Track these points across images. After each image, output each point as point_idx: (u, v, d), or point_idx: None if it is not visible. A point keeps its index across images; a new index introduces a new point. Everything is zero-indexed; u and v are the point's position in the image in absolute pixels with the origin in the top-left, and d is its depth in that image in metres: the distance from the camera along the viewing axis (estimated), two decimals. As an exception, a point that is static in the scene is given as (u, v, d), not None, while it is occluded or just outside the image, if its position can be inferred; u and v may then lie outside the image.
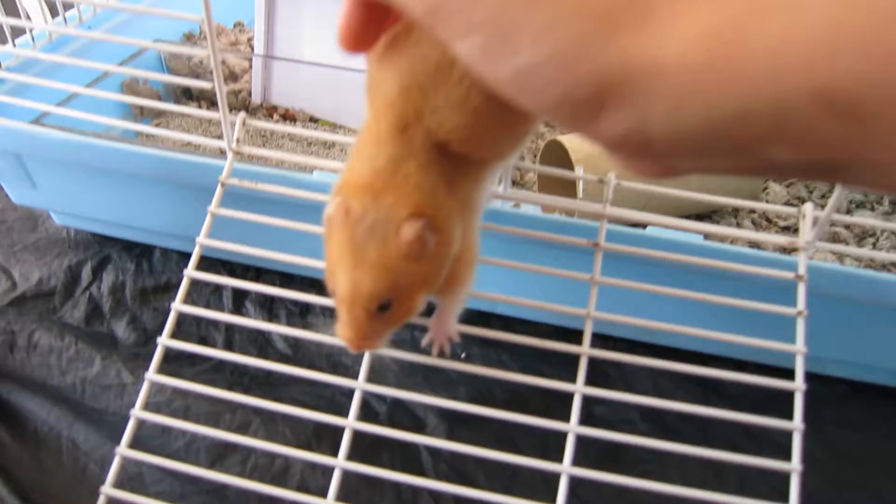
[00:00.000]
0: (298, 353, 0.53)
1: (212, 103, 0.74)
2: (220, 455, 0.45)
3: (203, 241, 0.42)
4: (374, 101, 0.30)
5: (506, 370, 0.39)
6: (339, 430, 0.37)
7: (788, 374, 0.39)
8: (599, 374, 0.52)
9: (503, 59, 0.21)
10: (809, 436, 0.49)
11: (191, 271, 0.41)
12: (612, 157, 0.22)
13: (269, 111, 0.73)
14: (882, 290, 0.45)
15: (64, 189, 0.56)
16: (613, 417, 0.49)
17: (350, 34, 0.26)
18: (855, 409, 0.53)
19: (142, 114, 0.72)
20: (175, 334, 0.40)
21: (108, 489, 0.36)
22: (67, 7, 0.62)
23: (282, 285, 0.56)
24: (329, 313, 0.55)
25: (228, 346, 0.53)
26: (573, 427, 0.37)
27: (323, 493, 0.36)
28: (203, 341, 0.53)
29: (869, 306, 0.47)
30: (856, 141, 0.17)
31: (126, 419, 0.38)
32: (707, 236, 0.45)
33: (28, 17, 0.57)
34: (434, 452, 0.46)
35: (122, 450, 0.37)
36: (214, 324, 0.54)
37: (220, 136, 0.45)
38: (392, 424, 0.46)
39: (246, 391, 0.39)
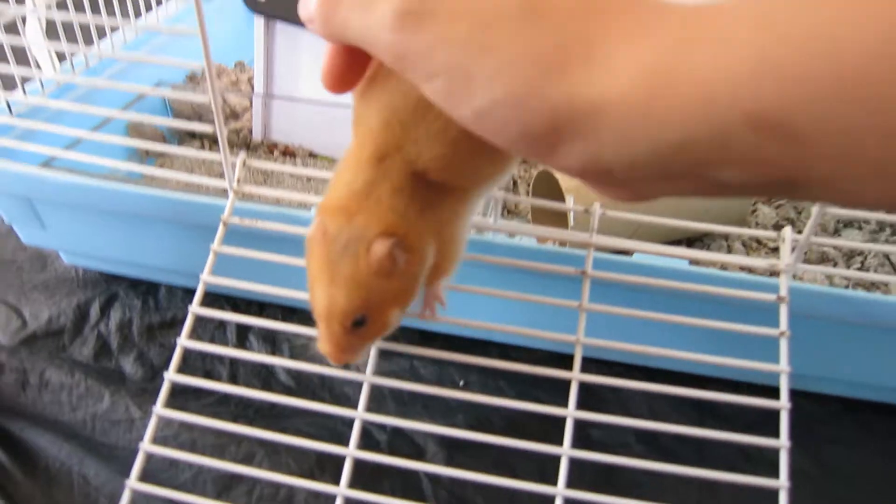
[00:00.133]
0: (301, 384, 0.54)
1: (214, 141, 0.76)
2: (226, 486, 0.47)
3: (206, 278, 0.43)
4: (358, 131, 0.32)
5: (503, 397, 0.40)
6: (341, 459, 0.38)
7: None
8: (596, 398, 0.53)
9: (463, 101, 0.22)
10: (802, 453, 0.50)
11: (195, 308, 0.43)
12: (584, 184, 0.24)
13: (270, 148, 0.75)
14: (864, 310, 0.46)
15: (72, 229, 0.58)
16: (610, 441, 0.50)
17: (333, 77, 0.29)
18: (847, 426, 0.53)
19: (147, 154, 0.74)
20: (181, 369, 0.41)
21: (118, 522, 0.37)
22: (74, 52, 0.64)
23: (284, 319, 0.57)
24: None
25: (233, 380, 0.55)
26: (566, 450, 0.38)
27: (326, 521, 0.37)
28: (208, 375, 0.55)
29: (855, 325, 0.48)
30: (796, 159, 0.18)
31: (135, 453, 0.39)
32: (692, 261, 0.46)
33: (38, 65, 0.59)
34: (434, 479, 0.47)
35: (133, 483, 0.38)
36: (219, 358, 0.55)
37: (221, 173, 0.47)
38: (392, 452, 0.47)
39: (250, 423, 0.41)
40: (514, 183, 0.73)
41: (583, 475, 0.39)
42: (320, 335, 0.33)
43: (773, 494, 0.37)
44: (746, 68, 0.18)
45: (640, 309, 0.42)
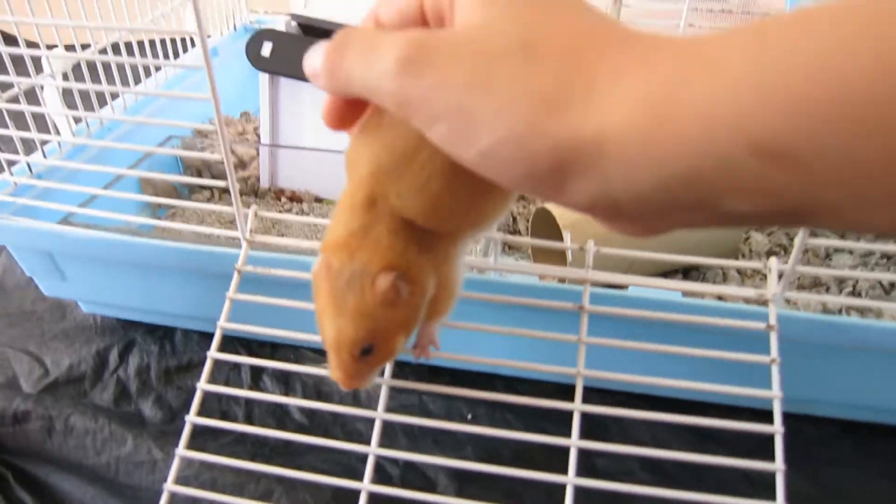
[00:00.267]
0: (314, 422, 0.56)
1: (223, 191, 0.79)
2: (247, 523, 0.48)
3: (223, 324, 0.46)
4: (350, 175, 0.33)
5: (510, 428, 0.42)
6: (355, 494, 0.40)
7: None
8: (600, 427, 0.55)
9: (467, 144, 0.22)
10: (802, 475, 0.51)
11: (213, 353, 0.45)
12: (595, 220, 0.24)
13: (277, 194, 0.78)
14: (854, 335, 0.47)
15: (91, 280, 0.61)
16: (614, 469, 0.52)
17: (334, 117, 0.30)
18: (847, 447, 0.54)
19: (158, 206, 0.77)
20: (199, 411, 0.43)
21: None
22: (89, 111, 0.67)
23: (296, 359, 0.59)
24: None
25: (248, 419, 0.56)
26: (571, 479, 0.40)
27: (343, 554, 0.39)
28: (224, 416, 0.56)
29: (848, 349, 0.49)
30: (803, 187, 0.18)
31: (158, 494, 0.41)
32: (685, 293, 0.48)
33: (56, 128, 0.63)
34: (446, 510, 0.49)
35: (158, 522, 0.40)
36: (235, 398, 0.57)
37: (231, 221, 0.49)
38: (405, 486, 0.48)
39: (267, 461, 0.43)
40: (514, 219, 0.75)
41: (590, 503, 0.40)
42: (331, 364, 0.34)
43: (775, 516, 0.38)
44: (747, 96, 0.18)
45: (638, 339, 0.44)
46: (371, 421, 0.42)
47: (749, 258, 0.69)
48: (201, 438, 0.53)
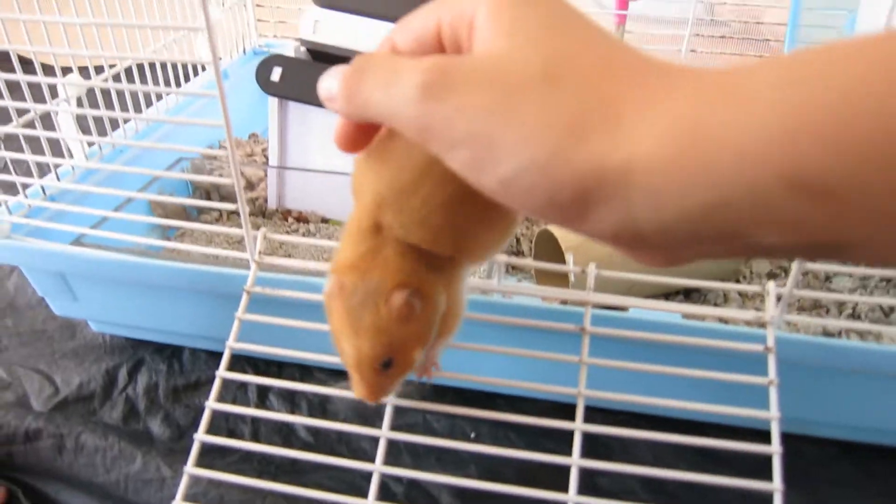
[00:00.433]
0: (320, 440, 0.57)
1: (231, 212, 0.80)
2: (254, 540, 0.49)
3: (232, 344, 0.47)
4: (357, 199, 0.34)
5: (513, 447, 0.42)
6: (360, 511, 0.40)
7: (782, 438, 0.42)
8: (602, 446, 0.56)
9: (488, 171, 0.22)
10: (802, 495, 0.52)
11: (222, 372, 0.46)
12: (616, 250, 0.23)
13: (285, 214, 0.80)
14: (851, 358, 0.48)
15: (102, 300, 0.62)
16: (616, 488, 0.52)
17: (345, 139, 0.30)
18: (847, 468, 0.55)
19: (168, 227, 0.78)
20: (207, 429, 0.44)
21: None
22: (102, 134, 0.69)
23: (302, 378, 0.60)
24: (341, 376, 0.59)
25: (255, 437, 0.57)
26: (572, 497, 0.40)
27: (349, 571, 0.39)
28: (231, 433, 0.57)
29: (846, 371, 0.50)
30: (834, 220, 0.18)
31: (166, 511, 0.42)
32: (685, 315, 0.49)
33: (70, 152, 0.64)
34: (449, 528, 0.49)
35: (167, 539, 0.41)
36: (242, 417, 0.58)
37: (239, 241, 0.50)
38: (409, 503, 0.49)
39: (273, 478, 0.43)
40: (517, 240, 0.76)
41: (590, 522, 0.41)
42: (353, 381, 0.35)
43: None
44: (780, 128, 0.17)
45: (638, 360, 0.45)
46: (376, 439, 0.43)
47: (750, 280, 0.70)
48: (209, 456, 0.53)
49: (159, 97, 0.79)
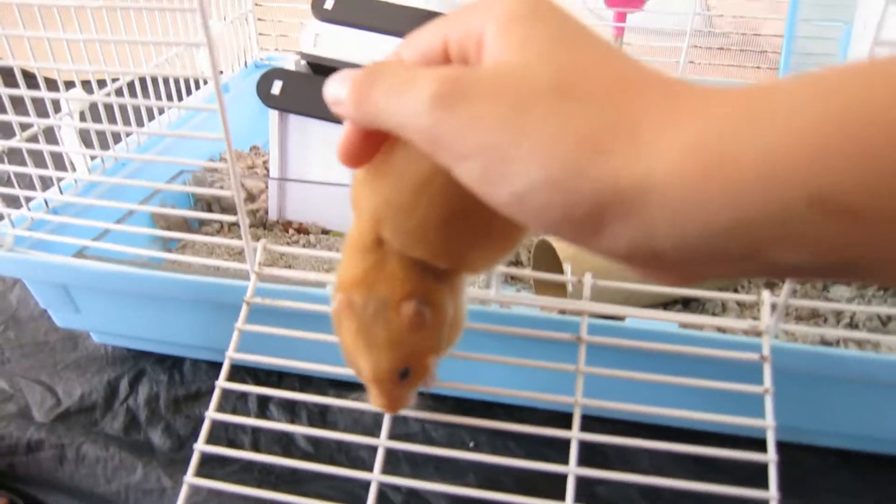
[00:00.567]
0: (319, 450, 0.57)
1: (233, 223, 0.81)
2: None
3: (232, 354, 0.47)
4: (357, 214, 0.35)
5: (511, 456, 0.43)
6: (359, 521, 0.41)
7: (779, 447, 0.42)
8: (600, 454, 0.56)
9: (499, 184, 0.22)
10: (800, 504, 0.52)
11: (222, 382, 0.46)
12: (628, 268, 0.23)
13: (285, 226, 0.80)
14: (847, 367, 0.48)
15: (104, 312, 0.62)
16: (614, 496, 0.53)
17: (349, 154, 0.30)
18: (846, 477, 0.55)
19: (170, 239, 0.78)
20: (207, 439, 0.44)
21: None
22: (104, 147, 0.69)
23: (302, 388, 0.61)
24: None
25: (255, 447, 0.57)
26: (569, 505, 0.41)
27: (347, 579, 0.39)
28: (231, 444, 0.57)
29: (843, 380, 0.50)
30: (863, 240, 0.17)
31: (167, 521, 0.42)
32: (681, 324, 0.50)
33: (73, 165, 0.65)
34: (448, 538, 0.50)
35: (167, 548, 0.41)
36: (242, 427, 0.59)
37: (240, 252, 0.51)
38: (407, 513, 0.50)
39: (274, 488, 0.44)
40: (517, 251, 0.77)
41: (588, 531, 0.41)
42: (372, 394, 0.36)
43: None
44: (809, 147, 0.17)
45: (636, 369, 0.45)
46: (374, 448, 0.43)
47: (748, 289, 0.70)
48: (209, 466, 0.54)
49: (161, 111, 0.80)
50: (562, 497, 0.41)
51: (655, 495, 0.53)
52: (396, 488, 0.53)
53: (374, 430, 0.44)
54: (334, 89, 0.26)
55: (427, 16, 0.76)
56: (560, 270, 0.61)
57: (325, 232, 0.80)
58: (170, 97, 0.80)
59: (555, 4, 0.23)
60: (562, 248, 0.62)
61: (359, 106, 0.25)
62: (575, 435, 0.43)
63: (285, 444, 0.58)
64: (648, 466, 0.55)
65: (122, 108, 0.65)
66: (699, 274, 0.22)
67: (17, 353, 0.68)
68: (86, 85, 0.65)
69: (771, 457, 0.42)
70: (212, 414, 0.45)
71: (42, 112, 0.58)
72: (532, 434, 0.43)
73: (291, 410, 0.61)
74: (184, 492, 0.43)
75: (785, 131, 0.18)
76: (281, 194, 0.80)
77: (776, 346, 0.46)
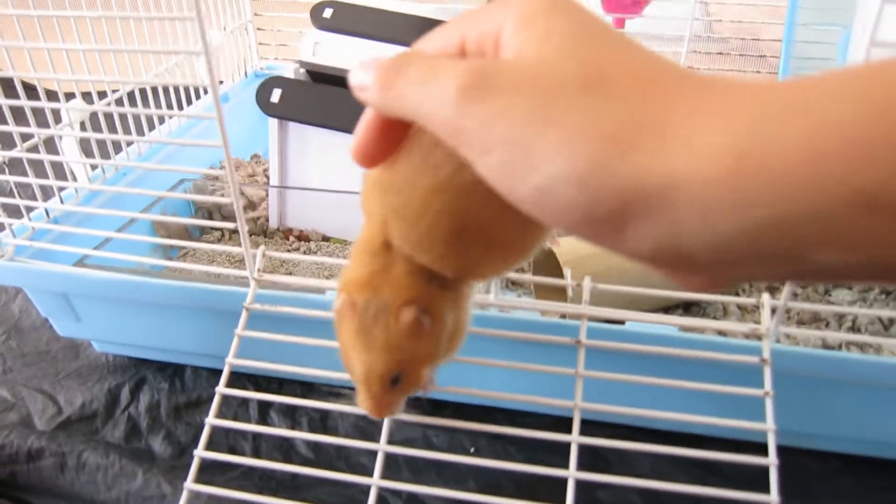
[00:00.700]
0: (319, 456, 0.57)
1: (233, 230, 0.81)
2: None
3: (232, 361, 0.47)
4: (367, 218, 0.35)
5: (512, 461, 0.43)
6: (359, 526, 0.41)
7: (782, 451, 0.42)
8: (601, 459, 0.56)
9: (521, 179, 0.21)
10: (801, 508, 0.52)
11: (222, 388, 0.46)
12: (653, 270, 0.22)
13: (286, 233, 0.80)
14: (848, 370, 0.48)
15: (105, 320, 0.63)
16: (615, 500, 0.52)
17: (363, 152, 0.29)
18: (849, 481, 0.55)
19: (171, 247, 0.79)
20: (208, 445, 0.44)
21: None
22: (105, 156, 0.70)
23: (302, 394, 0.61)
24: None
25: (255, 453, 0.58)
26: (569, 509, 0.41)
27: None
28: (232, 450, 0.57)
29: (845, 384, 0.50)
30: None
31: (167, 527, 0.42)
32: (681, 328, 0.50)
33: (73, 175, 0.65)
34: (449, 543, 0.49)
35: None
36: (242, 433, 0.59)
37: (241, 259, 0.51)
38: (408, 518, 0.50)
39: (274, 494, 0.44)
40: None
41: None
42: (360, 395, 0.36)
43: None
44: (854, 142, 0.17)
45: (636, 372, 0.45)
46: (375, 454, 0.43)
47: (750, 292, 0.70)
48: (209, 472, 0.54)
49: (161, 120, 0.80)
50: (562, 501, 0.41)
51: (656, 499, 0.52)
52: (397, 493, 0.53)
53: (374, 436, 0.44)
54: (360, 76, 0.26)
55: (425, 23, 0.76)
56: (560, 275, 0.61)
57: (326, 239, 0.80)
58: (170, 107, 0.81)
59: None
60: (562, 252, 0.62)
61: (383, 93, 0.25)
62: (575, 439, 0.43)
63: (286, 451, 0.58)
64: (649, 470, 0.55)
65: (123, 118, 0.66)
66: (730, 275, 0.21)
67: (18, 363, 0.68)
68: (86, 96, 0.65)
69: (772, 460, 0.42)
70: (212, 420, 0.45)
71: (43, 122, 0.58)
72: (532, 438, 0.43)
73: (292, 417, 0.61)
74: (184, 498, 0.43)
75: (829, 128, 0.17)
76: (281, 202, 0.80)
77: (776, 349, 0.46)
